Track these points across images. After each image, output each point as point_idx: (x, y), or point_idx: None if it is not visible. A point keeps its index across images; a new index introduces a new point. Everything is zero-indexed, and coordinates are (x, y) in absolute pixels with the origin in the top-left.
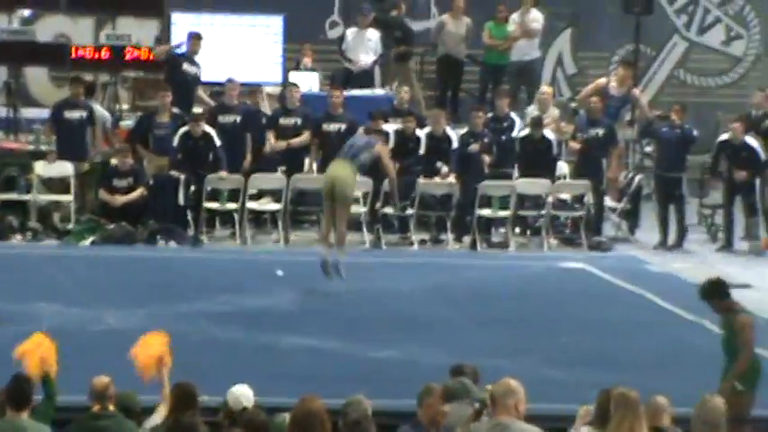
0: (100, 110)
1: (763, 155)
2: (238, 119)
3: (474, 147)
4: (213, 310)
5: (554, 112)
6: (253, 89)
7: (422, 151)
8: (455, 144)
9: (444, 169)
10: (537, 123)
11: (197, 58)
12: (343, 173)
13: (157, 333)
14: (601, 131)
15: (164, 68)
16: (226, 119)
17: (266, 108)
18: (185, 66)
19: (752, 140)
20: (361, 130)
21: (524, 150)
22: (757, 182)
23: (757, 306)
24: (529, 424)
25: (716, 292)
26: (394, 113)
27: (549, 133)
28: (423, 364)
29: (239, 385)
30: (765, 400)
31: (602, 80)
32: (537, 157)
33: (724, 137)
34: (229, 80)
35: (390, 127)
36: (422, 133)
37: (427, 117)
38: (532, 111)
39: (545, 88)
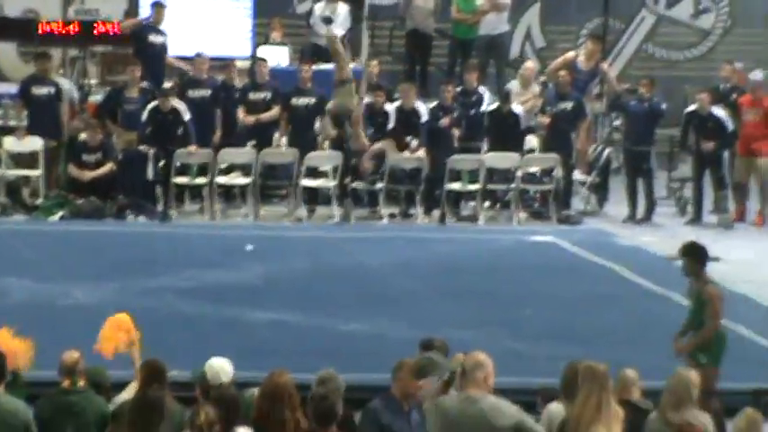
0: (66, 84)
1: (730, 125)
2: (208, 93)
3: (444, 121)
4: (181, 285)
5: (535, 88)
6: (227, 63)
7: (391, 125)
8: (424, 118)
9: (414, 143)
10: (505, 97)
11: (163, 27)
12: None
13: (120, 317)
14: (569, 105)
15: (131, 43)
16: (196, 93)
17: (237, 82)
18: (151, 37)
19: (719, 111)
20: None
21: (492, 124)
22: (726, 154)
23: (726, 279)
24: (497, 397)
25: (697, 253)
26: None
27: (516, 107)
28: (391, 338)
29: (218, 359)
30: (731, 373)
31: (571, 54)
32: (505, 131)
33: (691, 108)
34: (198, 54)
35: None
36: (391, 108)
37: (398, 91)
38: (515, 86)
39: (528, 64)
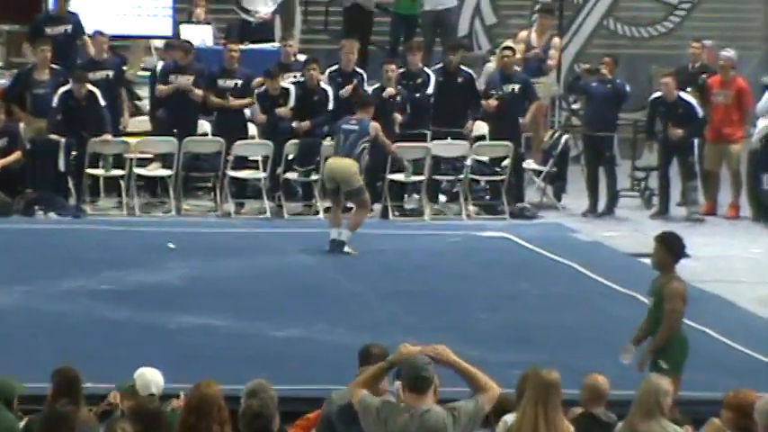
0: None
1: (700, 111)
2: (111, 74)
3: (389, 90)
4: (98, 287)
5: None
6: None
7: (330, 107)
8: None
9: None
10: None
11: (74, 9)
12: (341, 166)
13: None
14: (516, 87)
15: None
16: (96, 75)
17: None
18: (49, 29)
19: (687, 96)
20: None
21: (440, 91)
22: (695, 142)
23: (695, 277)
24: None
25: (673, 244)
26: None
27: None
28: (329, 344)
29: (149, 368)
30: (696, 381)
31: (524, 33)
32: (454, 94)
33: (657, 94)
34: (96, 32)
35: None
36: (329, 88)
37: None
38: (491, 68)
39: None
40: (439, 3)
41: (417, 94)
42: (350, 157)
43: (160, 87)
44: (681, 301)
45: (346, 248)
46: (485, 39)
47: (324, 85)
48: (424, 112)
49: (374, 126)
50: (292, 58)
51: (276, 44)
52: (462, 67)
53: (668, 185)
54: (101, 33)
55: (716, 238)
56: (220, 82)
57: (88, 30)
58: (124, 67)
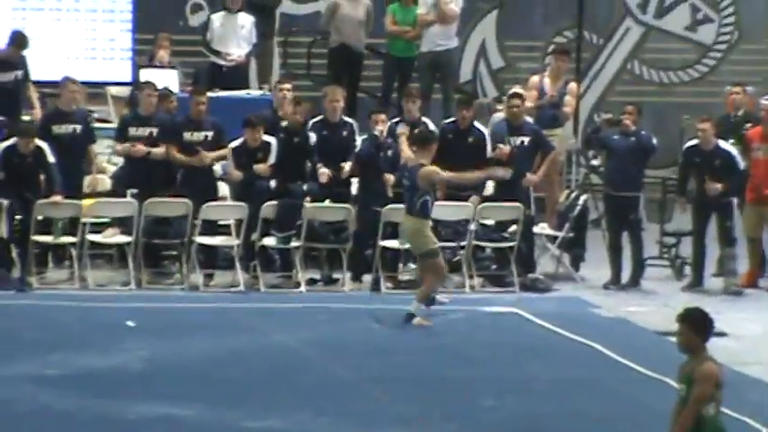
0: None
1: (741, 163)
2: (78, 128)
3: (400, 130)
4: (45, 372)
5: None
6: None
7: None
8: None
9: (323, 170)
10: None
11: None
12: (404, 227)
13: None
14: (526, 139)
15: None
16: (62, 129)
17: (113, 115)
18: None
19: (726, 146)
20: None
21: (447, 145)
22: (734, 202)
23: (734, 359)
24: None
25: (698, 322)
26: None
27: (480, 126)
28: None
29: None
30: None
31: (535, 78)
32: (462, 153)
33: (692, 143)
34: (67, 79)
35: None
36: (313, 135)
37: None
38: (498, 118)
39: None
40: (438, 44)
41: None
42: (411, 214)
43: (117, 149)
44: (709, 384)
45: (415, 320)
46: (491, 84)
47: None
48: None
49: (423, 174)
50: (289, 107)
51: (252, 91)
52: (476, 124)
53: (703, 253)
54: (72, 81)
55: (758, 314)
56: (187, 135)
57: (56, 75)
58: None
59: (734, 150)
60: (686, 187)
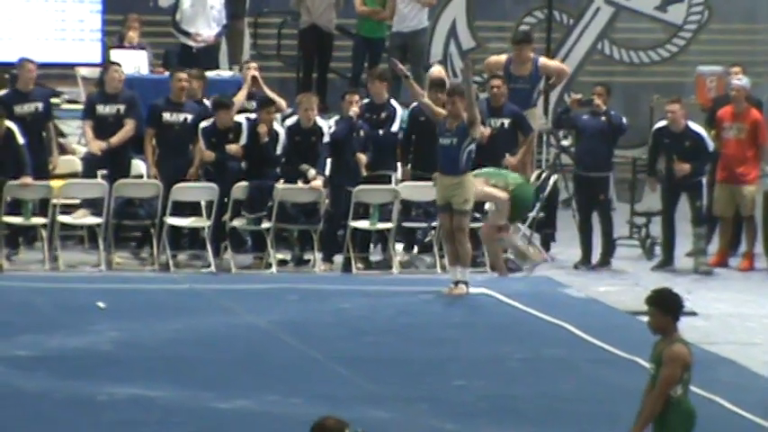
0: None
1: (710, 144)
2: (40, 106)
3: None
4: (16, 353)
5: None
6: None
7: (279, 151)
8: (327, 138)
9: (311, 172)
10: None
11: None
12: (456, 183)
13: None
14: (506, 121)
15: None
16: (24, 109)
17: (82, 95)
18: None
19: (696, 127)
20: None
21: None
22: (704, 182)
23: (704, 339)
24: None
25: (667, 303)
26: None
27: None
28: (282, 418)
29: None
30: None
31: (502, 57)
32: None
33: (661, 124)
34: (23, 60)
35: (242, 117)
36: (279, 128)
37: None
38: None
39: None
40: (408, 25)
41: (381, 131)
42: (457, 173)
43: (94, 144)
44: (678, 365)
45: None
46: (461, 65)
47: (276, 126)
48: (388, 152)
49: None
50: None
51: (223, 72)
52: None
53: (673, 232)
54: (29, 61)
55: (727, 293)
56: (166, 116)
57: (12, 56)
58: (55, 100)
59: (703, 132)
60: (656, 167)
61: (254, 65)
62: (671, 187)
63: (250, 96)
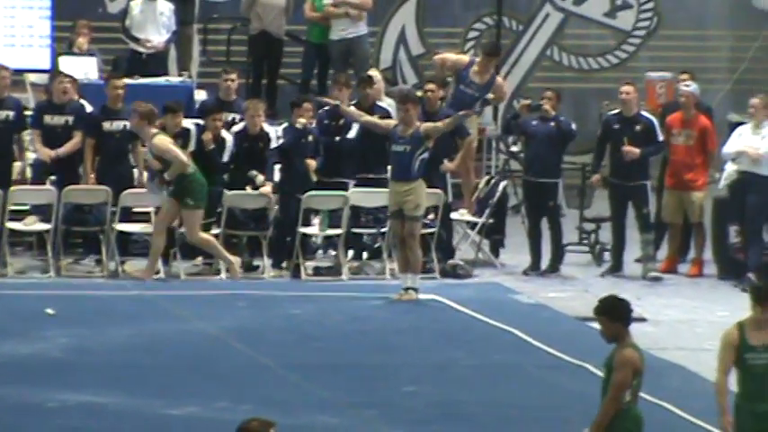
0: None
1: (660, 134)
2: (11, 114)
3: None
4: None
5: None
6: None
7: (226, 158)
8: (274, 144)
9: (260, 178)
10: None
11: None
12: (408, 190)
13: None
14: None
15: None
16: None
17: (31, 102)
18: None
19: (648, 114)
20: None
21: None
22: (649, 186)
23: (654, 344)
24: None
25: (616, 310)
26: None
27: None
28: (232, 424)
29: None
30: None
31: (465, 58)
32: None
33: (613, 111)
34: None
35: (190, 123)
36: (227, 134)
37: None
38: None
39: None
40: (349, 31)
41: (337, 138)
42: (409, 179)
43: (44, 152)
44: (627, 370)
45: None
46: (411, 71)
47: (223, 133)
48: (345, 159)
49: (428, 128)
50: (233, 96)
51: (172, 78)
52: (379, 103)
53: (622, 238)
54: (4, 67)
55: (677, 299)
56: (106, 125)
57: None
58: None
59: (655, 120)
60: (600, 163)
61: (233, 75)
62: (617, 193)
63: (226, 107)
